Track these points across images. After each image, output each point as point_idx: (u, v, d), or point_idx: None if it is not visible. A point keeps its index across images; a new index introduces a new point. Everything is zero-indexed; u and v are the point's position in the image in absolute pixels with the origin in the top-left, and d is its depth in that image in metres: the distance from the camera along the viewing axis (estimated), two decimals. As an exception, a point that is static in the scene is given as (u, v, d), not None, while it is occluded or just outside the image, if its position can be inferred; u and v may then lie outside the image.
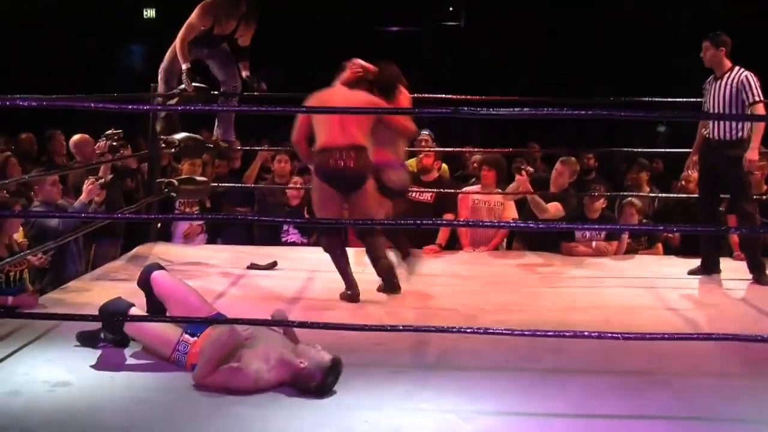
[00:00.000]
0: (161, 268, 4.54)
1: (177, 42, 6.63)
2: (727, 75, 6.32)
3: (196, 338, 4.09)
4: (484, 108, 4.01)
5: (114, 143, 6.73)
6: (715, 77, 6.41)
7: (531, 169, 7.58)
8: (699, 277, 6.52)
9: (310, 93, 5.74)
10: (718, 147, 6.36)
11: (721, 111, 6.32)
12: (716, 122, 6.38)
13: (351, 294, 5.64)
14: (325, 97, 5.69)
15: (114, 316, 4.25)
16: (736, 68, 6.33)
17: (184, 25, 6.63)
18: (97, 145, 6.84)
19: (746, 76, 6.26)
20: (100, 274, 6.30)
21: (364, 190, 5.64)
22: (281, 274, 6.43)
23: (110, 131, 6.77)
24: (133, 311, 4.26)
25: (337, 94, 5.70)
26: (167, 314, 4.37)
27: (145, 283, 4.44)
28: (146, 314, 4.37)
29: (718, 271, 6.58)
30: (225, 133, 7.10)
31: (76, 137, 7.41)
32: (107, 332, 4.40)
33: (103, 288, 5.69)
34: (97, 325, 4.41)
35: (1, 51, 15.48)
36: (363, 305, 5.54)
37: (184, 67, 6.59)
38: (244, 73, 6.95)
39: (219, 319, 4.09)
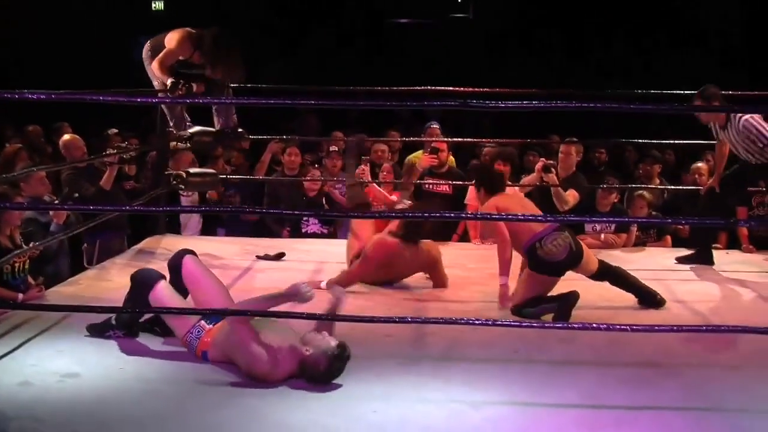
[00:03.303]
0: (194, 254, 4.53)
1: (155, 66, 6.38)
2: None
3: (211, 326, 4.11)
4: (492, 101, 4.01)
5: (124, 156, 6.68)
6: None
7: (552, 162, 7.55)
8: (705, 267, 6.55)
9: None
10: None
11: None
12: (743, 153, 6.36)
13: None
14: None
15: (144, 283, 4.30)
16: None
17: (164, 52, 6.36)
18: (108, 158, 6.72)
19: None
20: (105, 267, 6.28)
21: None
22: (290, 266, 6.43)
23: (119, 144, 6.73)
24: (162, 284, 4.30)
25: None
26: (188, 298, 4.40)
27: (175, 265, 4.44)
28: (173, 290, 4.36)
29: (712, 262, 6.63)
30: (226, 122, 6.81)
31: (66, 137, 7.33)
32: (131, 300, 4.40)
33: (108, 281, 5.72)
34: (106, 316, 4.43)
35: (10, 44, 15.52)
36: (371, 296, 5.55)
37: (168, 82, 6.33)
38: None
39: (236, 311, 4.05)
